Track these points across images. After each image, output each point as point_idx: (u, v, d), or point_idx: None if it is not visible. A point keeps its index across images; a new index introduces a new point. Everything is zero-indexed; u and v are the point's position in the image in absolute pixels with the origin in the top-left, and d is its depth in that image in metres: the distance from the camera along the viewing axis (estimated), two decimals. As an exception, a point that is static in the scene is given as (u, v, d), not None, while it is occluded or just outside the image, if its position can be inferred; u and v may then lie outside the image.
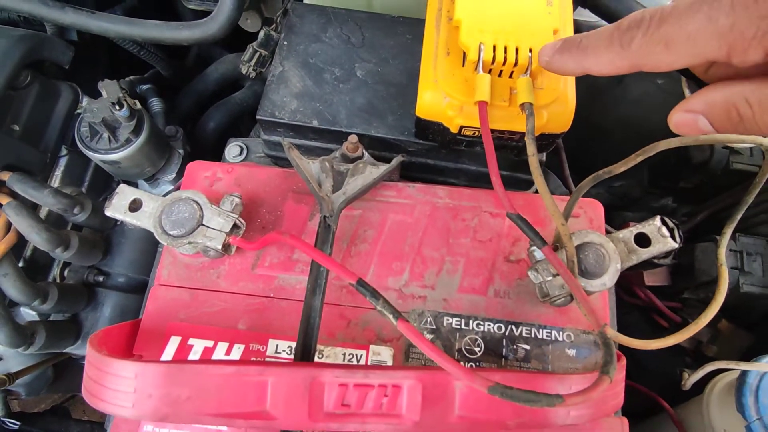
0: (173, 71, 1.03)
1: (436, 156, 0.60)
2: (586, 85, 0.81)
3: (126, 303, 0.81)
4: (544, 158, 0.57)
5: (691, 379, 0.56)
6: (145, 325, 0.47)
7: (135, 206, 0.49)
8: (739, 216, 0.54)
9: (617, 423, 0.44)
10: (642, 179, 0.84)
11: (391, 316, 0.34)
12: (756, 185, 0.53)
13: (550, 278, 0.44)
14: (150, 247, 0.80)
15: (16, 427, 1.00)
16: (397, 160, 0.50)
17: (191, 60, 1.11)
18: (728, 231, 0.55)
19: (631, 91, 0.76)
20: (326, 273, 0.42)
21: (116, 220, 0.79)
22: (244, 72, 0.86)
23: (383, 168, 0.49)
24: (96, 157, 0.75)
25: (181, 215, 0.45)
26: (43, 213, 0.76)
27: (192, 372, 0.34)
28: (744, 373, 0.48)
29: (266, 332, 0.46)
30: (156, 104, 0.95)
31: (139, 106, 0.76)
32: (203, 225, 0.45)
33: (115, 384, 0.34)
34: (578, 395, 0.33)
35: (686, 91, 0.61)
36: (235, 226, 0.46)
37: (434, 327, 0.47)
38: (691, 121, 0.31)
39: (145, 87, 0.97)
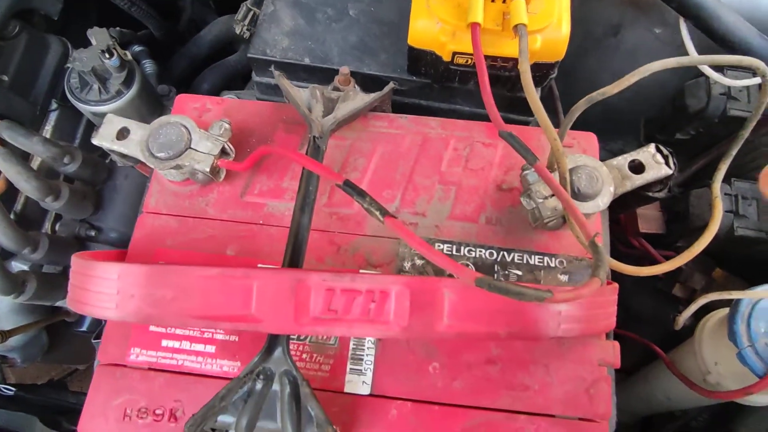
0: (166, 33, 1.01)
1: (428, 95, 0.59)
2: (582, 37, 0.80)
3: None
4: (540, 94, 0.56)
5: (683, 315, 0.56)
6: (132, 251, 0.46)
7: (123, 134, 0.48)
8: (734, 152, 0.54)
9: (609, 345, 0.44)
10: (638, 135, 0.83)
11: (378, 213, 0.34)
12: (752, 118, 0.52)
13: (542, 200, 0.44)
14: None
15: (11, 393, 0.99)
16: (388, 87, 0.50)
17: (184, 23, 1.10)
18: (723, 167, 0.55)
19: (626, 41, 0.75)
20: (315, 191, 0.42)
21: (107, 174, 0.78)
22: (237, 32, 0.84)
23: (374, 94, 0.48)
24: (86, 109, 0.74)
25: (169, 138, 0.45)
26: (34, 165, 0.75)
27: (176, 273, 0.33)
28: (737, 302, 0.48)
29: (255, 258, 0.45)
30: (149, 66, 0.94)
31: (130, 57, 0.75)
32: (191, 148, 0.45)
33: (99, 286, 0.33)
34: (568, 292, 0.32)
35: None
36: (223, 150, 0.46)
37: (425, 253, 0.46)
38: None
39: (137, 49, 0.96)
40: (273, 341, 0.37)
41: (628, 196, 0.51)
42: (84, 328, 1.03)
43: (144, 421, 0.41)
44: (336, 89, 0.50)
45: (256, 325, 0.34)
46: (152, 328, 0.44)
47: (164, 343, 0.43)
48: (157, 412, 0.41)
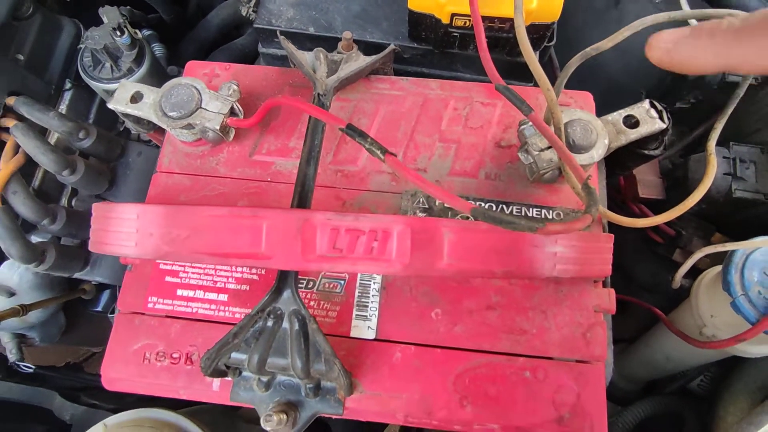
0: (174, 17, 1.04)
1: (430, 63, 0.61)
2: (583, 10, 0.81)
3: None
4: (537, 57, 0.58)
5: (680, 272, 0.57)
6: (148, 207, 0.48)
7: (136, 98, 0.51)
8: (729, 111, 0.55)
9: (604, 292, 0.46)
10: (639, 107, 0.84)
11: (378, 152, 0.36)
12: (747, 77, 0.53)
13: (539, 152, 0.45)
14: (154, 178, 0.82)
15: (30, 370, 1.02)
16: (389, 48, 0.51)
17: (192, 7, 1.12)
18: (719, 126, 0.56)
19: (627, 12, 0.76)
20: (320, 143, 0.43)
21: (121, 149, 0.81)
22: (243, 14, 0.86)
23: (376, 56, 0.50)
24: (98, 86, 0.76)
25: (180, 98, 0.47)
26: (51, 141, 0.78)
27: (190, 213, 0.35)
28: (731, 254, 0.49)
29: (264, 212, 0.47)
30: (158, 49, 0.96)
31: (140, 35, 0.77)
32: (202, 108, 0.47)
33: (119, 226, 0.36)
34: (560, 224, 0.34)
35: None
36: (232, 111, 0.48)
37: (427, 206, 0.48)
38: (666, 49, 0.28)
39: (147, 33, 0.98)
40: (282, 282, 0.39)
41: (625, 154, 0.52)
42: (99, 308, 1.06)
43: (162, 363, 0.44)
44: (339, 54, 0.52)
45: (266, 261, 0.36)
46: (168, 278, 0.46)
47: (179, 292, 0.46)
48: (174, 355, 0.44)
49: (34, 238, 0.78)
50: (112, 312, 0.90)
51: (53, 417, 0.91)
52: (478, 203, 0.48)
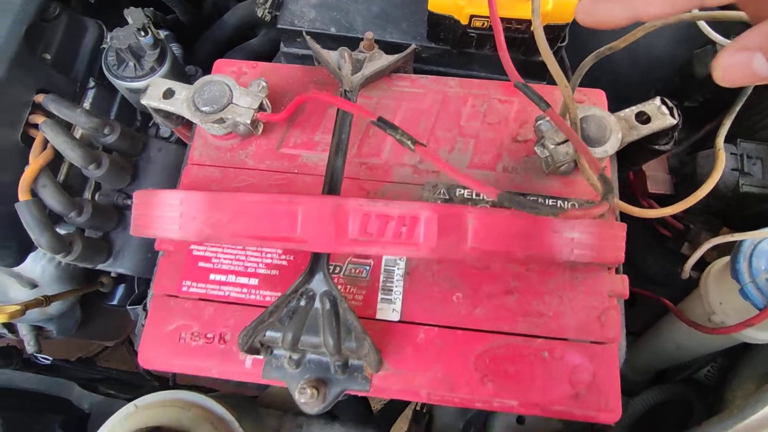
0: (190, 17, 1.06)
1: (447, 62, 0.63)
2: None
3: (154, 226, 0.85)
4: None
5: (689, 262, 0.59)
6: (182, 198, 0.51)
7: (168, 94, 0.53)
8: (737, 107, 0.57)
9: (618, 278, 0.48)
10: (647, 106, 0.86)
11: (409, 143, 0.38)
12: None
13: (555, 146, 0.48)
14: (175, 174, 0.84)
15: (48, 362, 1.05)
16: (410, 48, 0.54)
17: (208, 8, 1.15)
18: (727, 122, 0.58)
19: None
20: (347, 136, 0.46)
21: (142, 147, 0.83)
22: (259, 14, 0.88)
23: (398, 55, 0.53)
24: (122, 85, 0.79)
25: (213, 94, 0.50)
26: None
27: (230, 199, 0.38)
28: (740, 243, 0.52)
29: (292, 202, 0.50)
30: (175, 49, 0.99)
31: (162, 36, 0.80)
32: (233, 103, 0.49)
33: (163, 211, 0.38)
34: (578, 210, 0.36)
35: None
36: (261, 106, 0.50)
37: (447, 197, 0.50)
38: (744, 62, 0.26)
39: (164, 33, 1.01)
40: (314, 264, 0.41)
41: (636, 149, 0.55)
42: (115, 302, 1.08)
43: (197, 343, 0.46)
44: (362, 53, 0.55)
45: (301, 244, 0.38)
46: (201, 263, 0.49)
47: (212, 276, 0.48)
48: (208, 335, 0.46)
49: (59, 231, 0.81)
50: (131, 304, 0.92)
51: (71, 407, 0.92)
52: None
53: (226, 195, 0.38)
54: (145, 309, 0.90)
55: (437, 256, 0.39)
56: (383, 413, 0.91)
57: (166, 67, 0.79)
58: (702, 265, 0.66)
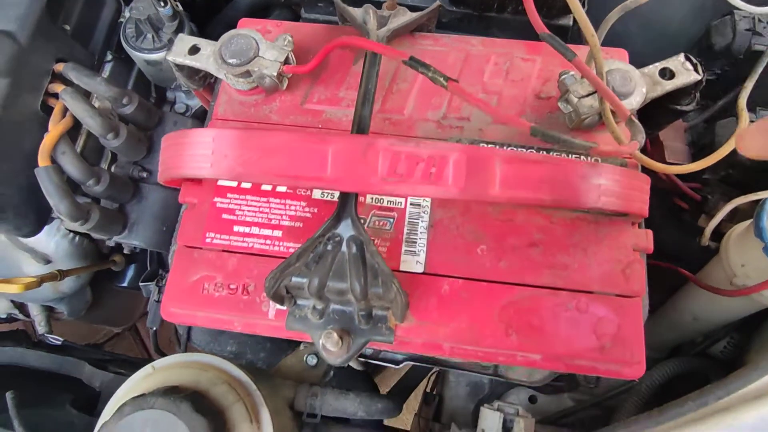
0: (204, -2, 1.06)
1: (467, 27, 0.63)
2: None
3: (168, 198, 0.85)
4: (571, 22, 0.60)
5: (710, 226, 0.59)
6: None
7: (194, 50, 0.53)
8: (759, 70, 0.57)
9: (642, 232, 0.48)
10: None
11: (442, 79, 0.38)
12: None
13: (579, 99, 0.48)
14: (190, 148, 0.84)
15: (58, 342, 1.05)
16: (435, 4, 0.54)
17: (221, -11, 1.15)
18: (749, 84, 0.58)
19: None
20: (374, 86, 0.46)
21: (159, 118, 0.83)
22: (274, -7, 0.88)
23: (422, 12, 0.53)
24: (140, 56, 0.79)
25: (239, 47, 0.50)
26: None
27: (261, 137, 0.38)
28: (763, 201, 0.51)
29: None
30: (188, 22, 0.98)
31: (180, 7, 0.80)
32: (259, 56, 0.50)
33: (195, 149, 0.38)
34: (609, 148, 0.36)
35: None
36: (287, 59, 0.50)
37: (471, 152, 0.50)
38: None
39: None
40: (342, 208, 0.41)
41: (657, 110, 0.55)
42: (125, 284, 1.09)
43: (220, 293, 0.46)
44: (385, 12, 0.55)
45: (331, 184, 0.38)
46: (224, 215, 0.49)
47: (236, 228, 0.48)
48: (231, 286, 0.46)
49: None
50: (144, 281, 0.92)
51: (82, 386, 0.92)
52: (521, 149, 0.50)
53: (257, 133, 0.38)
54: (158, 285, 0.90)
55: (465, 197, 0.39)
56: (395, 390, 0.91)
57: (183, 39, 0.79)
58: (718, 237, 0.66)
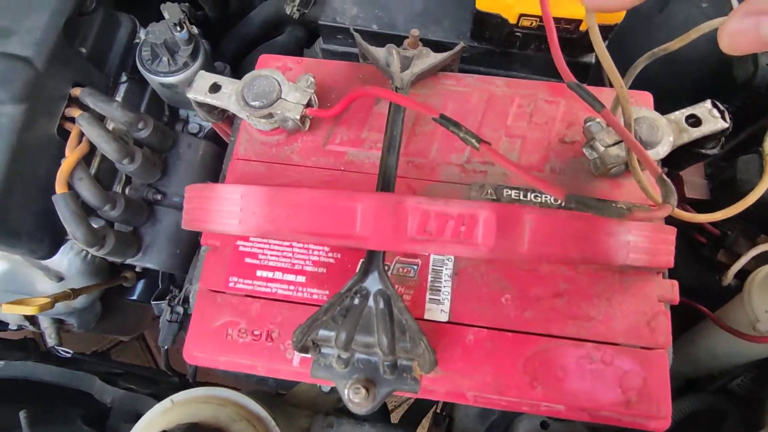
0: (218, 14, 1.06)
1: (488, 62, 0.63)
2: (629, 16, 0.83)
3: (181, 221, 0.85)
4: (593, 60, 0.60)
5: (733, 269, 0.59)
6: (227, 193, 0.51)
7: (215, 88, 0.53)
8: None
9: (668, 283, 0.47)
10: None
11: (473, 140, 0.38)
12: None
13: (606, 148, 0.47)
14: (203, 170, 0.84)
15: (68, 355, 1.05)
16: (459, 46, 0.53)
17: (234, 5, 1.15)
18: (774, 126, 0.57)
19: (673, 17, 0.78)
20: (400, 131, 0.46)
21: (173, 140, 0.83)
22: (288, 12, 0.88)
23: (447, 53, 0.52)
24: (155, 80, 0.79)
25: (262, 89, 0.49)
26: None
27: (290, 195, 0.38)
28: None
29: (339, 200, 0.49)
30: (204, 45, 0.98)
31: (196, 31, 0.80)
32: (282, 98, 0.49)
33: (222, 205, 0.38)
34: (644, 212, 0.36)
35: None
36: (310, 102, 0.50)
37: (495, 198, 0.50)
38: (752, 27, 0.24)
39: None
40: (369, 262, 0.41)
41: (681, 153, 0.54)
42: (135, 297, 1.09)
43: (244, 339, 0.46)
44: (409, 50, 0.54)
45: (360, 242, 0.38)
46: (247, 260, 0.48)
47: (259, 273, 0.48)
48: (255, 332, 0.46)
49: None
50: (155, 299, 0.92)
51: (92, 400, 0.92)
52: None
53: (286, 191, 0.38)
54: (170, 304, 0.90)
55: (495, 256, 0.39)
56: (408, 416, 0.91)
57: (199, 63, 0.79)
58: (740, 274, 0.65)
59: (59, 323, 1.05)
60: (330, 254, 0.48)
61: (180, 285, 0.95)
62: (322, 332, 0.41)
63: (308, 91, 0.50)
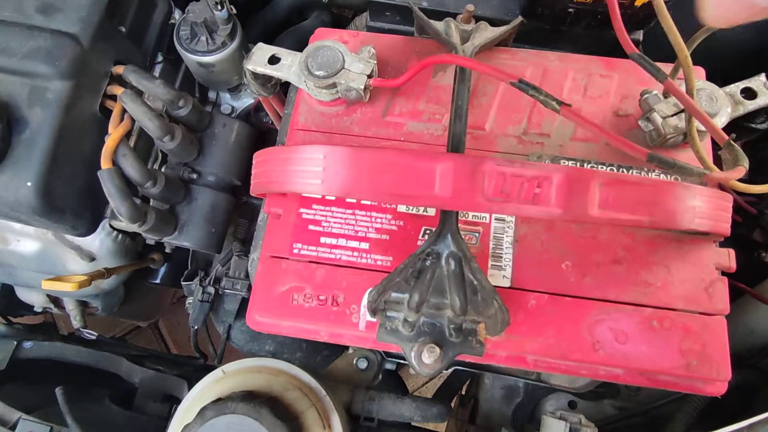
0: (246, -1, 1.06)
1: (535, 41, 0.63)
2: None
3: (216, 200, 0.85)
4: (641, 37, 0.61)
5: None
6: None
7: (274, 60, 0.54)
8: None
9: (724, 251, 0.49)
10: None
11: (554, 103, 0.39)
12: None
13: (663, 120, 0.48)
14: (237, 150, 0.85)
15: (93, 337, 1.05)
16: (517, 19, 0.54)
17: (259, -11, 1.14)
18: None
19: None
20: (467, 101, 0.46)
21: (209, 121, 0.83)
22: (316, -5, 0.86)
23: (505, 26, 0.53)
24: (193, 59, 0.80)
25: (326, 59, 0.50)
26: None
27: (372, 155, 0.38)
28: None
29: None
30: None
31: (235, 10, 0.80)
32: (346, 68, 0.50)
33: (304, 165, 0.39)
34: (721, 174, 0.37)
35: None
36: (372, 72, 0.51)
37: (552, 168, 0.51)
38: None
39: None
40: (443, 224, 0.42)
41: (730, 127, 0.55)
42: (158, 280, 1.10)
43: (310, 304, 0.47)
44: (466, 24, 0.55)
45: (439, 202, 0.39)
46: (311, 227, 0.49)
47: (323, 240, 0.49)
48: (321, 297, 0.47)
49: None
50: (186, 279, 0.93)
51: (120, 380, 0.93)
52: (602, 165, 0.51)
53: (369, 151, 0.39)
54: (201, 284, 0.90)
55: (567, 218, 0.39)
56: (439, 394, 0.92)
57: (236, 42, 0.79)
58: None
59: (84, 306, 1.05)
60: (393, 221, 0.49)
61: (206, 268, 0.96)
62: (395, 294, 0.42)
63: (371, 62, 0.50)
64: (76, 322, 1.05)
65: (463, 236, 0.48)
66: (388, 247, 0.48)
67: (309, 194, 0.47)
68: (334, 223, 0.49)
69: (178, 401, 0.73)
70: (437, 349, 0.42)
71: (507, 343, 0.46)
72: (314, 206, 0.49)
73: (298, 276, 0.48)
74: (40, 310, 1.08)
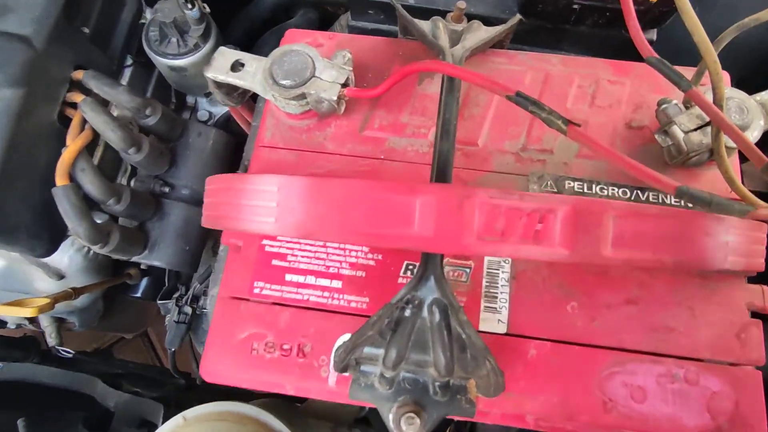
0: (226, -4, 0.99)
1: (534, 41, 0.56)
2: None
3: (190, 215, 0.79)
4: (655, 37, 0.54)
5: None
6: (251, 185, 0.44)
7: (237, 67, 0.47)
8: None
9: (757, 289, 0.41)
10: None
11: (560, 123, 0.32)
12: None
13: (686, 134, 0.41)
14: (214, 160, 0.78)
15: (69, 355, 1.00)
16: (515, 18, 0.47)
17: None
18: None
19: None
20: (455, 114, 0.39)
21: (182, 129, 0.77)
22: (306, -10, 0.79)
23: (501, 26, 0.46)
24: (163, 62, 0.73)
25: (294, 66, 0.43)
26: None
27: (338, 187, 0.32)
28: None
29: (378, 193, 0.43)
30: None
31: (208, 9, 0.74)
32: (316, 77, 0.43)
33: (254, 199, 0.32)
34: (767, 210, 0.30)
35: None
36: (347, 81, 0.44)
37: (555, 190, 0.44)
38: None
39: (201, 11, 0.94)
40: (425, 267, 0.35)
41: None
42: (139, 294, 1.03)
43: (272, 355, 0.40)
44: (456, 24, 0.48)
45: (419, 243, 0.32)
46: (275, 261, 0.42)
47: (288, 277, 0.42)
48: (285, 347, 0.40)
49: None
50: (161, 298, 0.87)
51: (94, 404, 0.88)
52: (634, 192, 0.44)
53: (331, 182, 0.32)
54: (177, 304, 0.84)
55: (575, 260, 0.33)
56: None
57: (210, 44, 0.73)
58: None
59: (60, 322, 0.99)
60: (370, 255, 0.42)
61: (187, 283, 0.90)
62: (368, 350, 0.35)
63: (345, 68, 0.43)
64: (51, 340, 0.99)
65: (451, 273, 0.41)
66: (365, 285, 0.41)
67: (263, 234, 0.40)
68: (302, 257, 0.42)
69: (154, 426, 0.68)
70: (417, 419, 0.35)
71: (503, 401, 0.39)
72: (279, 237, 0.42)
73: (258, 321, 0.41)
74: (13, 326, 1.02)
